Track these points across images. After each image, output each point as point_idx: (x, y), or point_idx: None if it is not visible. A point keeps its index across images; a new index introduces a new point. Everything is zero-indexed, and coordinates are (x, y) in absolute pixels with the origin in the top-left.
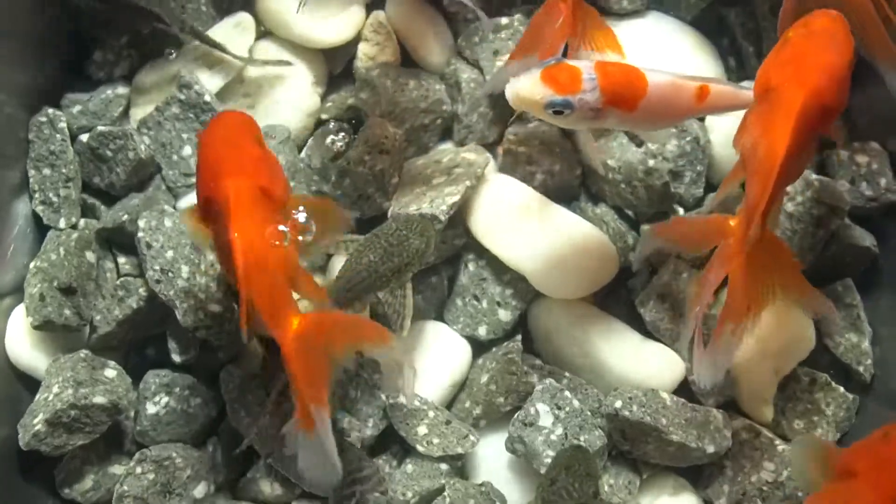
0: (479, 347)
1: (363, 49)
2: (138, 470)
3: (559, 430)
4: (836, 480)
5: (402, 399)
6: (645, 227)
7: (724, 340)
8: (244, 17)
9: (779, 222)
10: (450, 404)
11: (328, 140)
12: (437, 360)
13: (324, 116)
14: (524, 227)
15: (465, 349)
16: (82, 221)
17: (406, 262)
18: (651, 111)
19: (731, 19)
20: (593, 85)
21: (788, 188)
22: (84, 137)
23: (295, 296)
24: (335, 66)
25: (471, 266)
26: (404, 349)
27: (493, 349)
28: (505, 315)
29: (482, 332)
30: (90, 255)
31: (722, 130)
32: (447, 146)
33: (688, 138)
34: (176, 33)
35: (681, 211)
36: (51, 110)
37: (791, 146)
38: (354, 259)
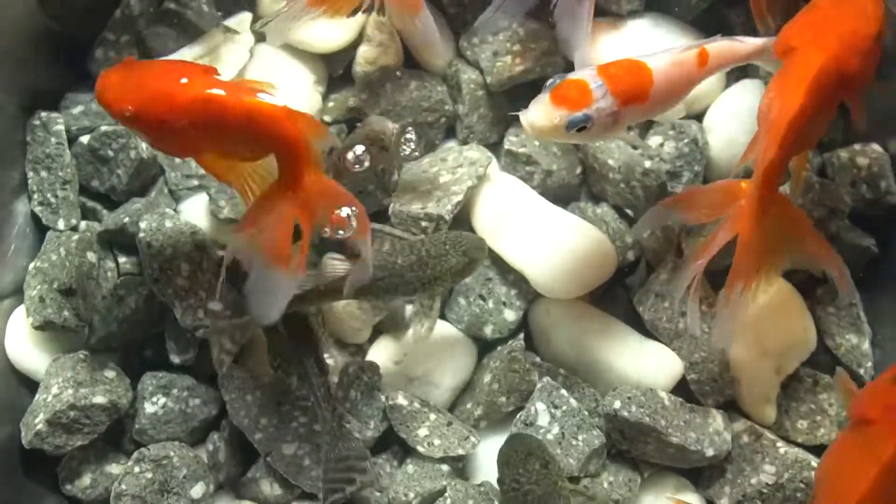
0: (484, 347)
1: (365, 50)
2: (136, 469)
3: (555, 430)
4: (851, 427)
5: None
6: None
7: (734, 300)
8: (244, 17)
9: (799, 193)
10: (452, 406)
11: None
12: (442, 362)
13: (326, 118)
14: (523, 226)
15: (471, 350)
16: (83, 223)
17: (437, 276)
18: (662, 94)
19: (732, 19)
20: (604, 91)
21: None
22: (85, 139)
23: None
24: (335, 69)
25: None
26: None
27: (498, 348)
28: (510, 315)
29: (488, 331)
30: (91, 255)
31: (720, 131)
32: (452, 144)
33: (685, 140)
34: None
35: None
36: (44, 113)
37: (804, 107)
38: (385, 255)
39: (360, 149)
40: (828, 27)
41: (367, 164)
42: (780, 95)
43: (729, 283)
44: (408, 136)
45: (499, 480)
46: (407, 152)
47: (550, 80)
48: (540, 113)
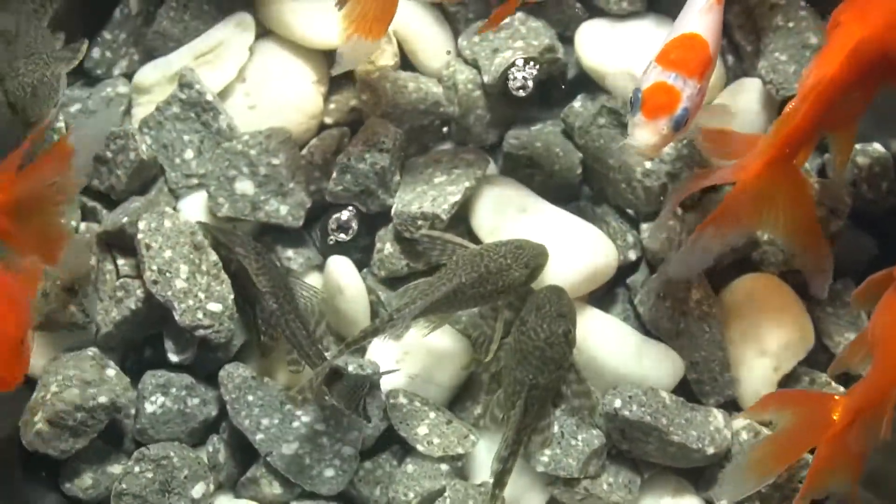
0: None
1: None
2: (136, 469)
3: (555, 429)
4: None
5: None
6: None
7: (704, 239)
8: (244, 18)
9: (844, 180)
10: (451, 404)
11: (332, 220)
12: (442, 361)
13: (327, 120)
14: (522, 227)
15: (471, 350)
16: (83, 225)
17: (499, 290)
18: (714, 47)
19: (730, 19)
20: (682, 78)
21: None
22: None
23: None
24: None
25: None
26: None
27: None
28: (510, 315)
29: (487, 331)
30: (90, 258)
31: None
32: (447, 146)
33: (684, 141)
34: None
35: (679, 210)
36: None
37: (837, 77)
38: (445, 277)
39: (346, 214)
40: (876, 5)
41: (353, 229)
42: (817, 66)
43: (704, 224)
44: (525, 70)
45: (521, 318)
46: (518, 87)
47: (632, 98)
48: (646, 133)
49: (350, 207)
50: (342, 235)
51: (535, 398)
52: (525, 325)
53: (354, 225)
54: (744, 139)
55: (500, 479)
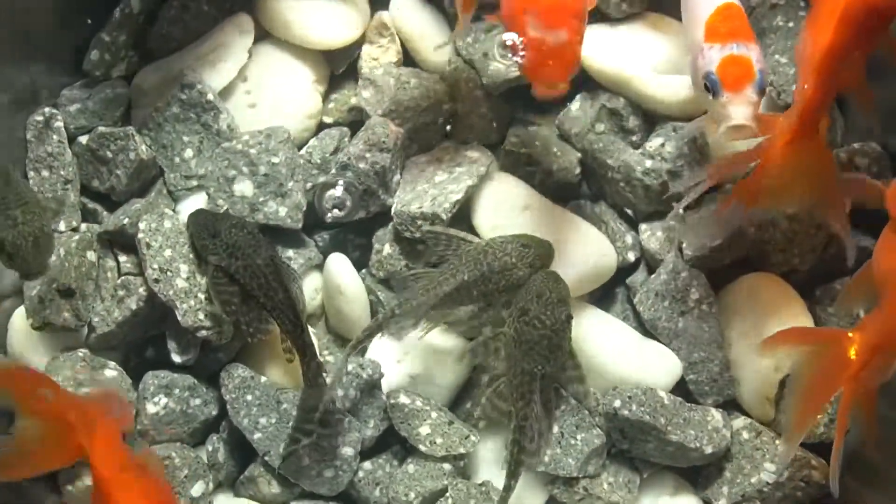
0: None
1: (367, 51)
2: None
3: (555, 429)
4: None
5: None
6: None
7: (728, 213)
8: (244, 18)
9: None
10: (451, 405)
11: (326, 196)
12: (443, 361)
13: (326, 120)
14: (523, 226)
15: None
16: (83, 226)
17: (502, 288)
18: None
19: None
20: (742, 45)
21: None
22: (84, 139)
23: None
24: (337, 66)
25: None
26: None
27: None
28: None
29: (487, 332)
30: (91, 255)
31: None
32: (449, 144)
33: (686, 139)
34: None
35: (679, 211)
36: (47, 109)
37: (835, 41)
38: (448, 273)
39: (339, 189)
40: None
41: (347, 206)
42: (813, 33)
43: (730, 196)
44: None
45: (521, 308)
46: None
47: (707, 84)
48: (741, 108)
49: (341, 182)
50: (336, 212)
51: (544, 386)
52: (528, 315)
53: (348, 203)
54: (764, 120)
55: (516, 470)
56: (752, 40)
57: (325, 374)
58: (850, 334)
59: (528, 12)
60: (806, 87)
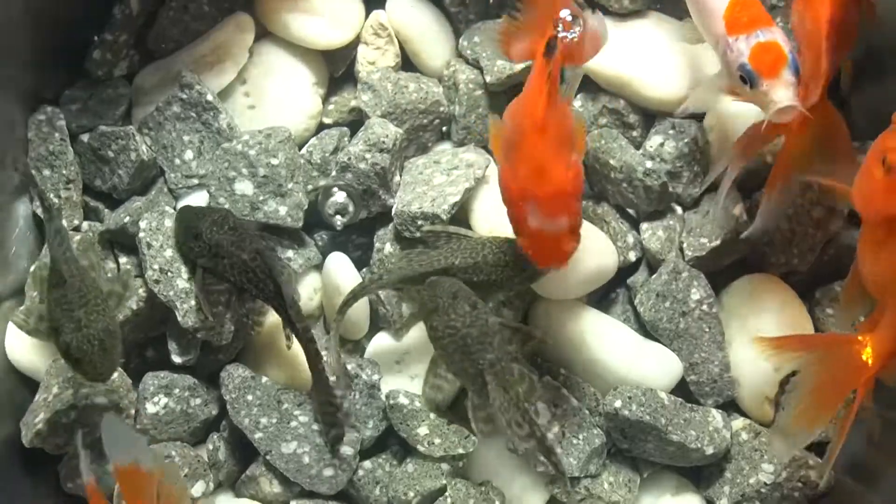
0: None
1: (364, 53)
2: None
3: (556, 429)
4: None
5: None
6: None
7: (774, 198)
8: (244, 18)
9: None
10: (452, 405)
11: (329, 204)
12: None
13: (326, 120)
14: None
15: None
16: (85, 224)
17: (491, 282)
18: None
19: None
20: (768, 30)
21: None
22: (85, 137)
23: None
24: (336, 68)
25: None
26: None
27: None
28: (510, 316)
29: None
30: (92, 256)
31: (720, 131)
32: (446, 147)
33: (686, 139)
34: None
35: (679, 210)
36: (49, 108)
37: (834, 15)
38: (442, 254)
39: (341, 196)
40: None
41: (350, 211)
42: (809, 12)
43: (771, 182)
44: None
45: (431, 329)
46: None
47: (743, 76)
48: (782, 91)
49: (335, 189)
50: (340, 218)
51: (501, 372)
52: (439, 330)
53: (351, 208)
54: None
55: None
56: (773, 24)
57: (325, 360)
58: (860, 338)
59: (527, 201)
60: (816, 63)
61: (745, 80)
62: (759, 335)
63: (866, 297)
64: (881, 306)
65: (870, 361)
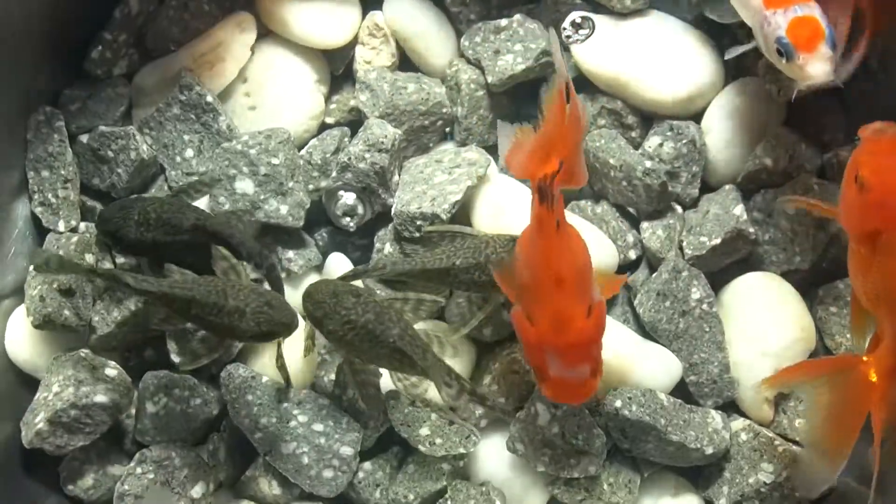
0: (483, 348)
1: (361, 53)
2: (138, 470)
3: (556, 429)
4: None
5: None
6: None
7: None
8: (245, 18)
9: None
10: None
11: (338, 206)
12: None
13: (328, 120)
14: (524, 226)
15: (471, 351)
16: (82, 225)
17: (492, 282)
18: None
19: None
20: (804, 7)
21: None
22: (84, 138)
23: None
24: (336, 66)
25: None
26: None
27: (496, 349)
28: (509, 317)
29: (487, 333)
30: (89, 257)
31: (718, 132)
32: (448, 146)
33: (684, 140)
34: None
35: (679, 209)
36: (48, 108)
37: None
38: (444, 254)
39: (351, 198)
40: None
41: (359, 213)
42: None
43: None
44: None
45: (329, 334)
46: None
47: (780, 50)
48: (818, 65)
49: (347, 190)
50: (347, 219)
51: (412, 340)
52: (339, 331)
53: (360, 209)
54: None
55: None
56: None
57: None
58: (864, 358)
59: (548, 351)
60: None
61: (782, 53)
62: (764, 379)
63: (871, 321)
64: (879, 323)
65: (875, 380)
